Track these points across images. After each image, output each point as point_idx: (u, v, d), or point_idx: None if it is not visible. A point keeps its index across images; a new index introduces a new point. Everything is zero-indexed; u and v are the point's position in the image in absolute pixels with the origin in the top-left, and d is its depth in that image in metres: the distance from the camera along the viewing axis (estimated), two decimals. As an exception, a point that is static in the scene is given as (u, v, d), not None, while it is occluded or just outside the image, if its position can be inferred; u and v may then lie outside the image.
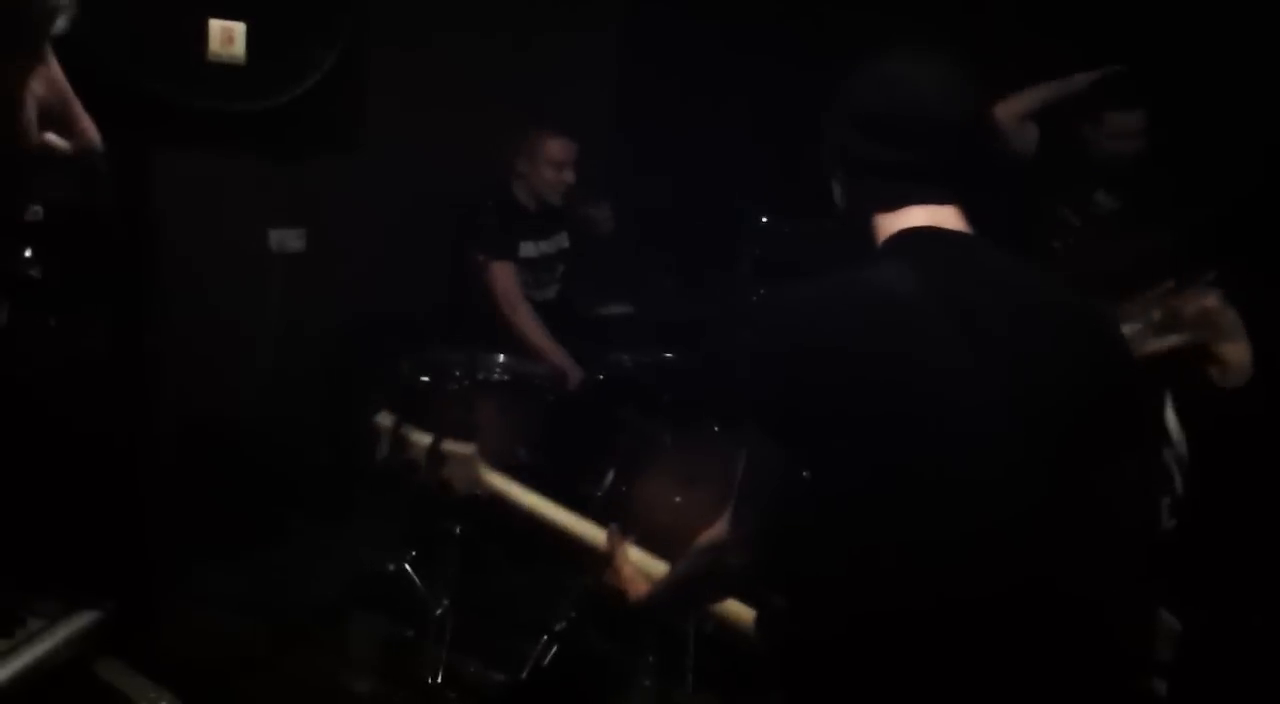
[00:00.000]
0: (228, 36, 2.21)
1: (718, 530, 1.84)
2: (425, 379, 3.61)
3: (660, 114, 5.13)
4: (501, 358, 3.77)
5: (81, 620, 2.40)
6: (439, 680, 3.31)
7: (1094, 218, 3.98)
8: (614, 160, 4.94)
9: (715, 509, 1.87)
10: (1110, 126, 3.90)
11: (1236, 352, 2.52)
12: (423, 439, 2.31)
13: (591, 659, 3.43)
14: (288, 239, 4.08)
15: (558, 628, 3.42)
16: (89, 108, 1.06)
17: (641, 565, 2.17)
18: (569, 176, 4.22)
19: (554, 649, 3.40)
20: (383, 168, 4.08)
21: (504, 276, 4.12)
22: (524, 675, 3.36)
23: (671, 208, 4.85)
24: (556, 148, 4.19)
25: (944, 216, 1.75)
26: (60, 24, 0.99)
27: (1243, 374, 2.53)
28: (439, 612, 3.41)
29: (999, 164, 3.83)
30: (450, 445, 2.28)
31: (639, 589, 2.10)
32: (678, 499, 3.35)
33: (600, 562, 2.16)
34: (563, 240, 4.40)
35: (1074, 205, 3.98)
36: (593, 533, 2.18)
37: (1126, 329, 2.88)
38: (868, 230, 1.78)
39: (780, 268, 4.29)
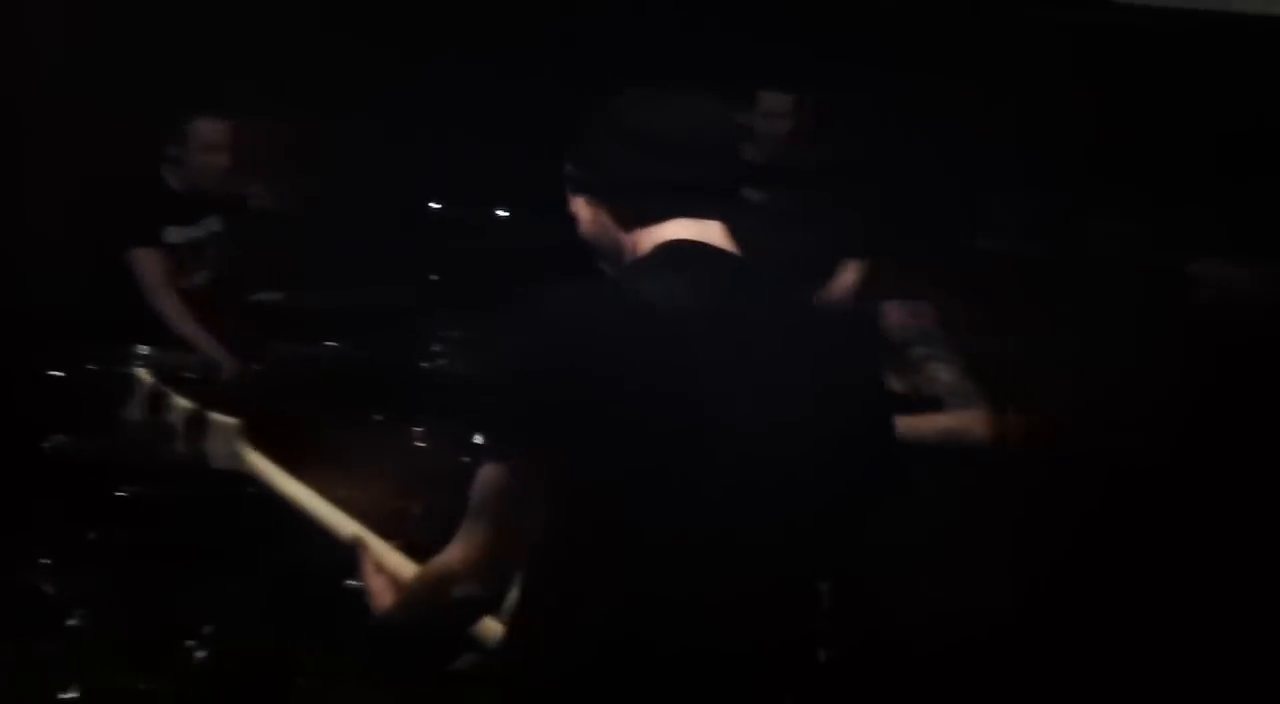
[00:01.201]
0: None
1: (446, 559, 1.76)
2: (61, 374, 3.40)
3: (331, 92, 4.98)
4: (143, 350, 3.57)
5: None
6: (74, 695, 3.10)
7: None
8: (276, 139, 4.77)
9: (378, 501, 1.79)
10: (763, 105, 4.06)
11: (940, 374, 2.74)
12: (185, 404, 2.18)
13: (252, 660, 3.29)
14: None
15: (207, 631, 3.27)
16: None
17: (399, 572, 2.01)
18: (223, 160, 4.06)
19: (210, 652, 3.25)
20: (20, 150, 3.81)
21: (146, 263, 3.91)
22: (179, 682, 3.21)
23: (335, 191, 4.73)
24: (209, 130, 4.03)
25: (707, 232, 1.75)
26: None
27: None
28: (76, 622, 3.21)
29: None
30: (215, 415, 2.15)
31: (382, 601, 1.94)
32: (340, 493, 3.26)
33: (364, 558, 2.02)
34: (214, 224, 4.20)
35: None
36: (347, 526, 2.04)
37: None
38: (619, 243, 1.77)
39: (457, 257, 4.27)
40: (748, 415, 1.66)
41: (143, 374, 2.24)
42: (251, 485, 2.15)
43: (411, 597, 1.85)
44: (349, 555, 2.05)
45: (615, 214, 1.77)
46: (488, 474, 1.68)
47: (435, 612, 1.82)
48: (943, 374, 2.78)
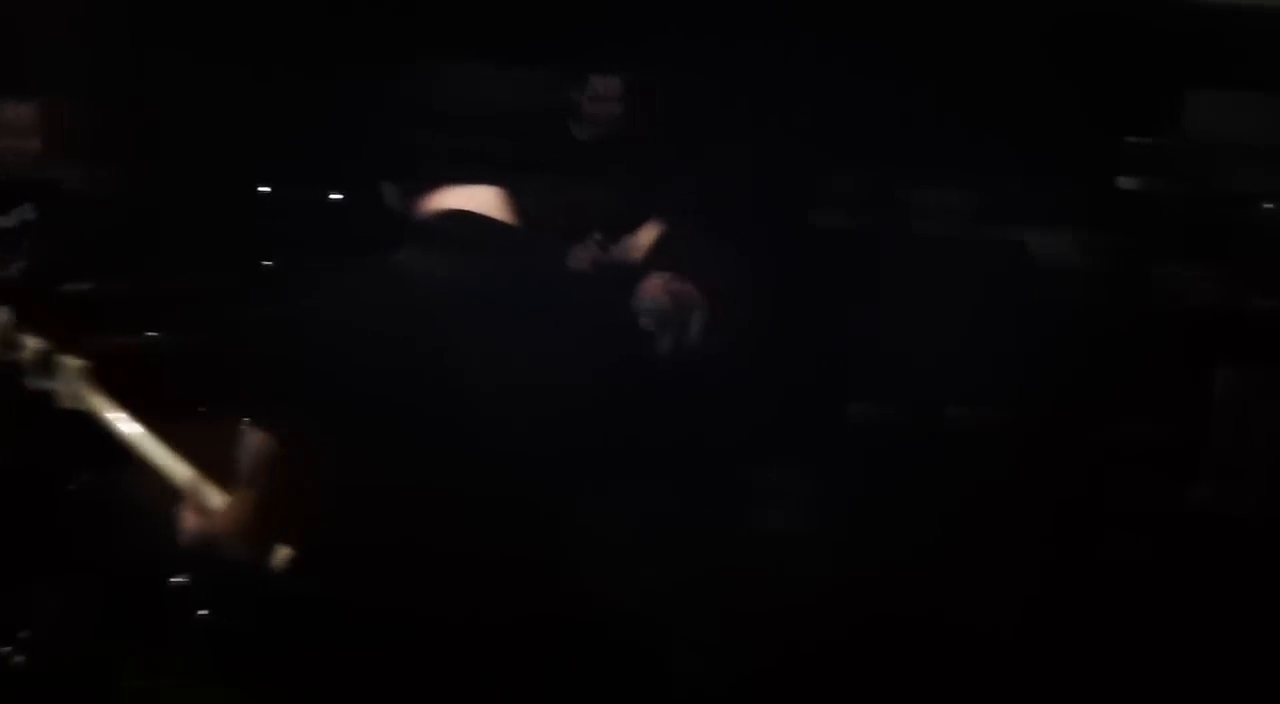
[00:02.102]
0: None
1: (218, 520, 1.88)
2: None
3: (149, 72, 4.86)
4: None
5: None
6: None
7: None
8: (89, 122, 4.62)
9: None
10: (591, 88, 4.10)
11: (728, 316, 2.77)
12: (35, 342, 2.28)
13: (76, 663, 3.22)
14: None
15: (24, 636, 3.17)
16: None
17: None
18: (37, 144, 3.93)
19: (24, 658, 3.15)
20: None
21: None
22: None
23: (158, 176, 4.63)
24: (15, 113, 3.93)
25: (482, 199, 1.82)
26: None
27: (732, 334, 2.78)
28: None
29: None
30: (67, 357, 2.26)
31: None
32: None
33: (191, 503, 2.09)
34: (28, 212, 4.05)
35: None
36: (182, 473, 2.12)
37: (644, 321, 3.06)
38: (405, 214, 1.84)
39: (282, 240, 4.21)
40: (505, 380, 1.73)
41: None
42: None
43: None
44: (171, 550, 2.10)
45: (401, 189, 1.84)
46: (253, 441, 1.75)
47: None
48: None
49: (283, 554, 1.96)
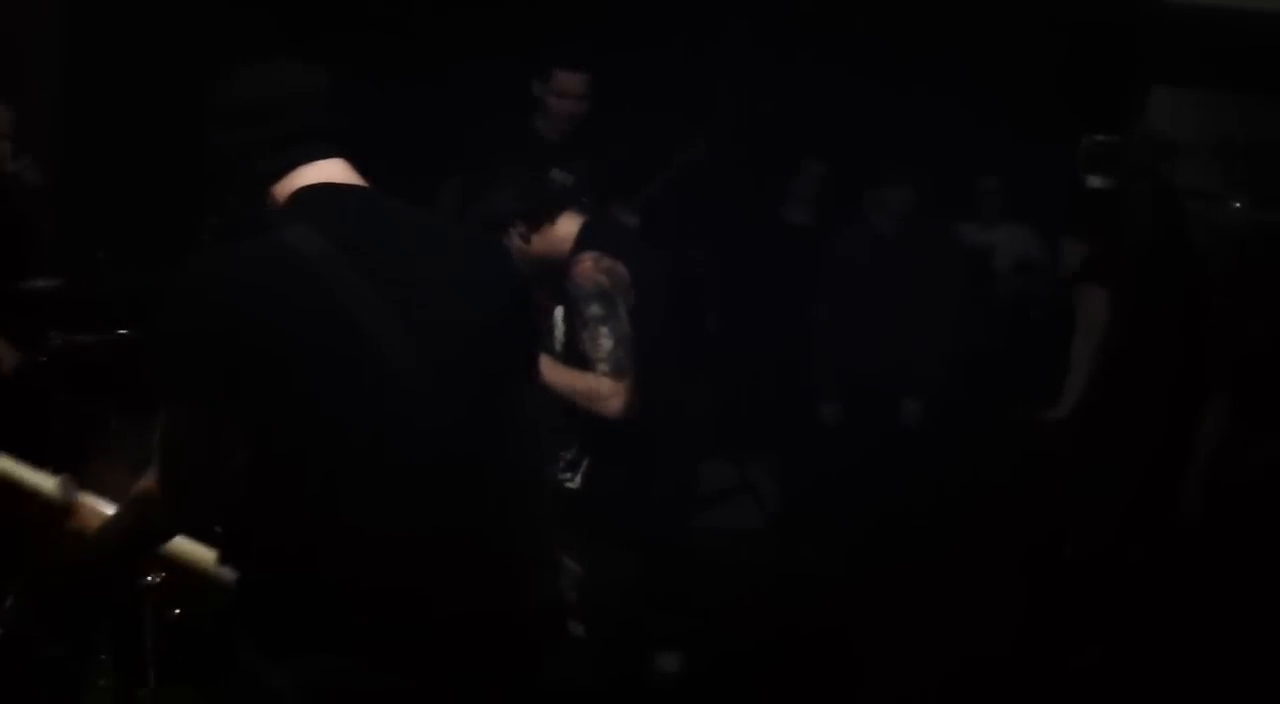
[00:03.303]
0: None
1: (147, 484, 1.92)
2: None
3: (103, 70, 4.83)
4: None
5: None
6: None
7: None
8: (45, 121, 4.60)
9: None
10: (557, 84, 4.13)
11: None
12: None
13: (37, 665, 3.16)
14: None
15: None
16: None
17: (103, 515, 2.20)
18: (6, 142, 3.90)
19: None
20: None
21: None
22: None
23: (113, 175, 4.59)
24: None
25: (332, 171, 1.92)
26: None
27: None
28: None
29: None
30: None
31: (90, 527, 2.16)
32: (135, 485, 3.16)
33: (57, 515, 2.17)
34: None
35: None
36: (45, 483, 2.19)
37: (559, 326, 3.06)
38: (263, 193, 1.92)
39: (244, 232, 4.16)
40: (397, 339, 1.80)
41: None
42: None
43: (115, 519, 2.04)
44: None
45: (252, 180, 1.92)
46: (162, 424, 1.84)
47: (143, 528, 1.97)
48: (603, 339, 2.84)
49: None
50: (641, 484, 3.09)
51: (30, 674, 3.14)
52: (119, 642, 3.03)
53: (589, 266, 2.91)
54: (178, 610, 3.04)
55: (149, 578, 2.72)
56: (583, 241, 2.98)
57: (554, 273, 2.99)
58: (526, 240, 2.98)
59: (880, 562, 4.74)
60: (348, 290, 1.78)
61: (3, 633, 3.10)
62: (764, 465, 5.63)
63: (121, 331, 3.88)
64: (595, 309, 2.87)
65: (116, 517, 2.07)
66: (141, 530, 2.02)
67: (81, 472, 3.22)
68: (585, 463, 3.05)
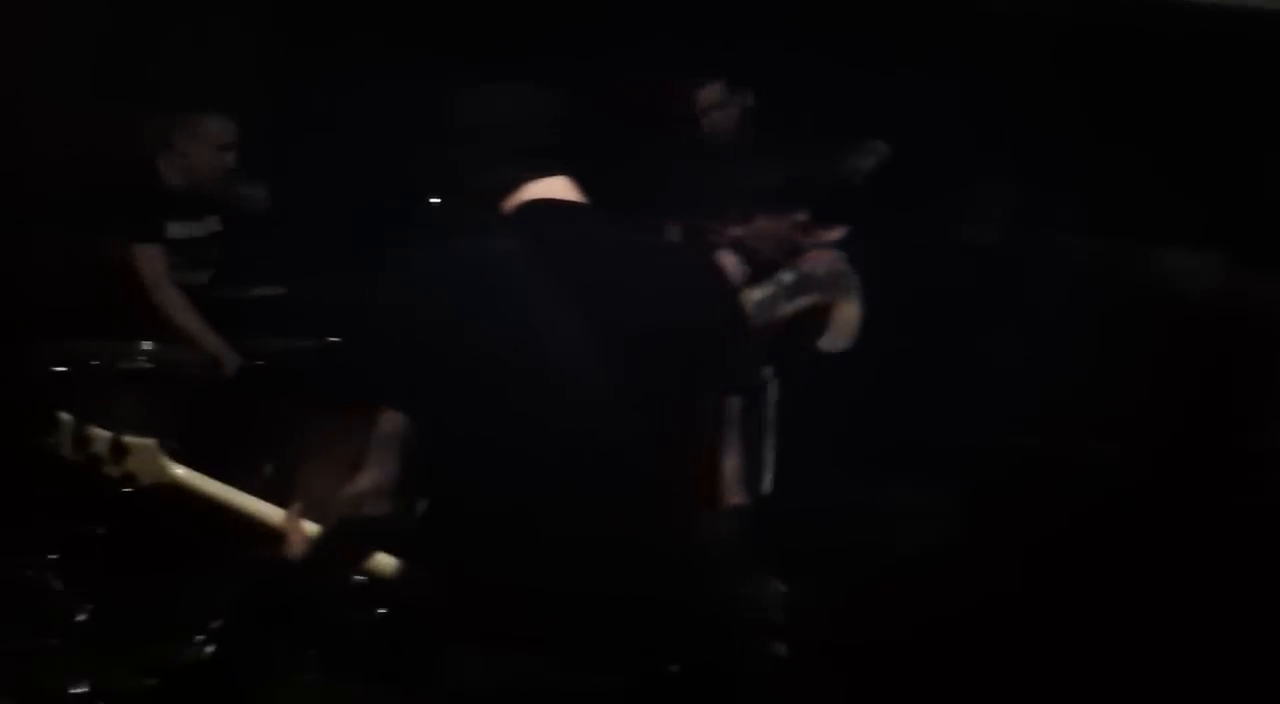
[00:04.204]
0: None
1: (356, 486, 1.97)
2: (63, 370, 3.41)
3: (321, 85, 5.02)
4: (146, 345, 3.59)
5: None
6: (82, 691, 3.12)
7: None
8: (268, 136, 4.79)
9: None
10: (700, 102, 4.17)
11: (851, 315, 2.69)
12: (103, 434, 2.31)
13: (252, 657, 3.32)
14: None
15: (214, 626, 3.30)
16: None
17: None
18: (230, 160, 4.09)
19: (211, 649, 3.27)
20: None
21: (149, 259, 3.92)
22: (178, 678, 3.22)
23: (329, 187, 4.76)
24: (217, 128, 4.05)
25: (554, 187, 1.99)
26: None
27: (849, 337, 2.71)
28: (82, 618, 3.22)
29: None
30: (131, 439, 2.29)
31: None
32: (342, 484, 3.28)
33: (281, 540, 2.22)
34: (214, 224, 4.22)
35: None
36: (274, 514, 2.24)
37: (758, 293, 3.04)
38: (491, 206, 2.00)
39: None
40: (590, 352, 1.85)
41: (64, 416, 2.36)
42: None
43: (330, 528, 2.07)
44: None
45: (485, 191, 1.99)
46: (376, 416, 1.90)
47: (349, 535, 2.01)
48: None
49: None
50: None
51: (245, 668, 3.30)
52: (329, 639, 3.15)
53: (830, 257, 2.90)
54: (381, 610, 3.17)
55: (356, 578, 2.82)
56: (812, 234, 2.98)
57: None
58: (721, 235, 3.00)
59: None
60: (548, 302, 1.85)
61: (222, 624, 3.29)
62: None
63: (332, 338, 4.05)
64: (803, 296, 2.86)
65: (338, 524, 2.14)
66: (359, 534, 2.09)
67: (293, 472, 3.41)
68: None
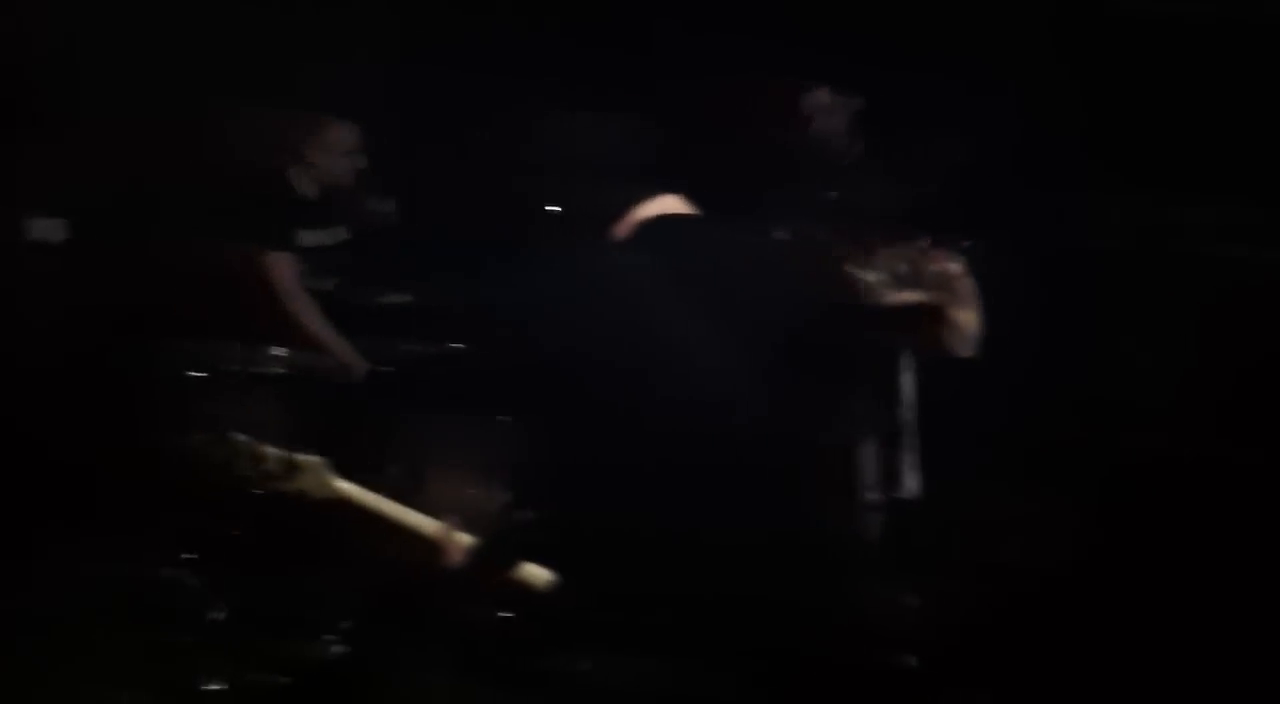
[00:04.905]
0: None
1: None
2: (198, 375, 3.50)
3: (443, 99, 5.09)
4: (278, 351, 3.67)
5: None
6: (217, 687, 3.20)
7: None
8: (394, 148, 4.88)
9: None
10: (806, 107, 4.11)
11: (969, 320, 2.65)
12: (275, 452, 2.51)
13: (381, 657, 3.38)
14: (48, 229, 3.92)
15: (344, 627, 3.35)
16: None
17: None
18: (359, 162, 4.17)
19: (342, 649, 3.33)
20: (145, 155, 3.98)
21: (281, 266, 4.00)
22: (309, 677, 3.29)
23: (454, 196, 4.83)
24: (345, 136, 4.14)
25: (668, 204, 2.12)
26: None
27: (969, 345, 2.67)
28: (217, 616, 3.30)
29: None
30: (301, 456, 2.49)
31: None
32: (470, 493, 3.34)
33: (437, 551, 2.43)
34: (341, 233, 4.30)
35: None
36: (430, 526, 2.44)
37: (871, 276, 3.01)
38: (610, 225, 2.14)
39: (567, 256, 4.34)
40: (710, 358, 1.92)
41: (238, 437, 2.45)
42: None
43: (482, 539, 2.27)
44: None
45: (596, 211, 2.18)
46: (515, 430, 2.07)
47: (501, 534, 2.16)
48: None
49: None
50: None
51: (375, 672, 3.35)
52: (457, 642, 3.19)
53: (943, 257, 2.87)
54: (504, 615, 3.20)
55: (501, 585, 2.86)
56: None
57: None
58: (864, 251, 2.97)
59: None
60: (672, 312, 1.93)
61: (351, 625, 3.35)
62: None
63: (456, 345, 4.11)
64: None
65: (489, 534, 2.19)
66: (506, 543, 2.14)
67: (418, 476, 3.46)
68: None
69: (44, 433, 3.94)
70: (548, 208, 4.37)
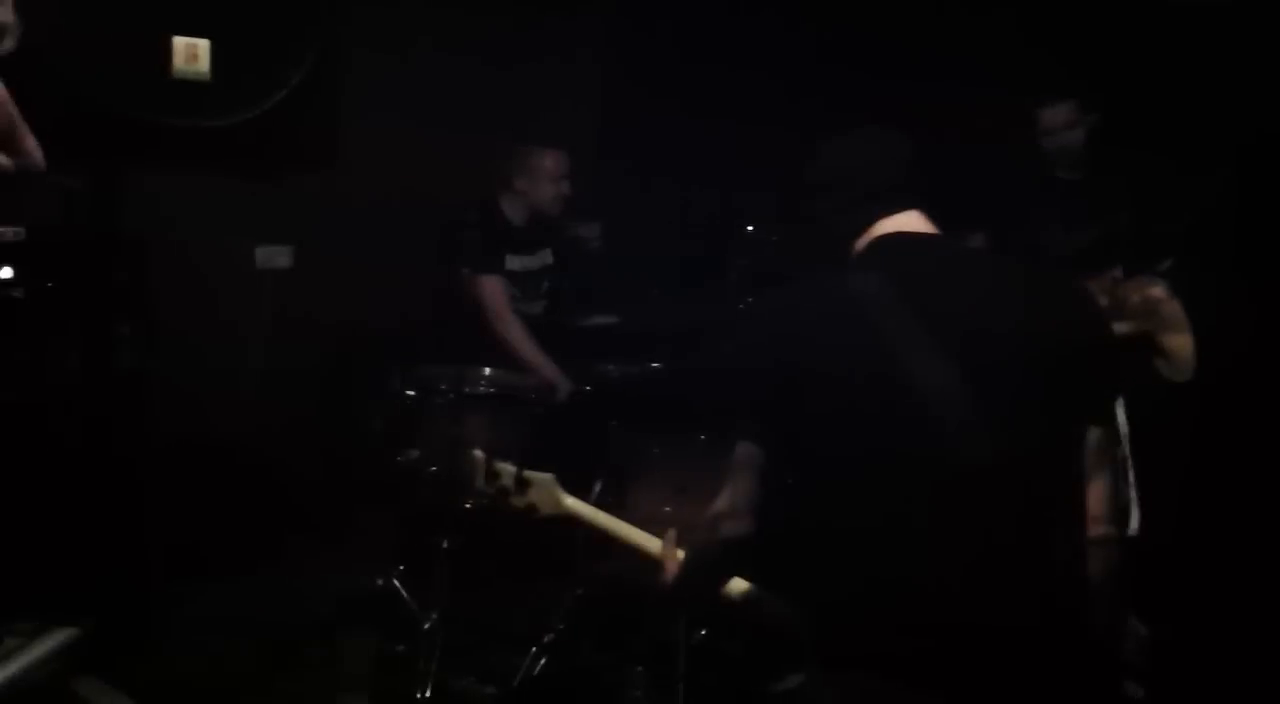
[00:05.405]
0: (191, 54, 2.22)
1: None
2: (413, 394, 3.62)
3: (646, 126, 5.17)
4: (488, 371, 3.77)
5: (59, 638, 2.40)
6: (429, 695, 3.30)
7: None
8: (600, 174, 4.97)
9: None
10: (1044, 123, 4.01)
11: (1181, 344, 2.54)
12: (509, 469, 2.54)
13: (581, 671, 3.43)
14: (275, 255, 4.10)
15: (547, 640, 3.43)
16: (57, 129, 1.07)
17: None
18: (565, 189, 4.28)
19: (544, 661, 3.40)
20: (367, 183, 4.09)
21: (493, 290, 4.13)
22: (514, 688, 3.35)
23: (658, 219, 4.89)
24: (553, 161, 4.25)
25: (907, 221, 2.05)
26: (6, 45, 0.99)
27: (1187, 368, 2.55)
28: (429, 626, 3.41)
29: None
30: (532, 473, 2.52)
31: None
32: (667, 509, 3.37)
33: (656, 566, 2.38)
34: (547, 257, 4.41)
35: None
36: (652, 544, 2.41)
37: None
38: (847, 246, 2.08)
39: (766, 277, 4.34)
40: (949, 384, 1.84)
41: (476, 453, 2.55)
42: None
43: (692, 553, 2.20)
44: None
45: (839, 227, 2.07)
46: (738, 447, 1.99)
47: (713, 550, 2.08)
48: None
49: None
50: None
51: (572, 678, 3.41)
52: (653, 658, 3.22)
53: (1145, 285, 2.77)
54: (704, 631, 3.21)
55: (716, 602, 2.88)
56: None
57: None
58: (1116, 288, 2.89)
59: None
60: (904, 335, 1.86)
61: (553, 638, 3.42)
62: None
63: (655, 365, 4.16)
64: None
65: (701, 549, 2.20)
66: (719, 559, 2.14)
67: (622, 492, 3.51)
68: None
69: (276, 451, 4.15)
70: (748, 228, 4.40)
